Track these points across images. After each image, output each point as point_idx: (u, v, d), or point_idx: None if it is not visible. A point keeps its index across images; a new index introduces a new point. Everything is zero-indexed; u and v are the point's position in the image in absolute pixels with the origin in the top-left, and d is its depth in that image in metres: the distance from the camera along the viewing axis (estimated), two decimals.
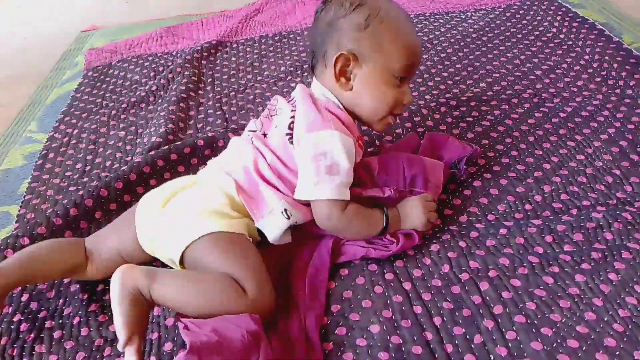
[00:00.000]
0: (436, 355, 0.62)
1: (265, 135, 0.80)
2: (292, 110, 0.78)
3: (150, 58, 1.48)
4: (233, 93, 1.26)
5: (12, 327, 0.73)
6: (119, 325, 0.61)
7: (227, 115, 1.18)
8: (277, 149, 0.77)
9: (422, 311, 0.68)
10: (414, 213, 0.77)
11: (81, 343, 0.70)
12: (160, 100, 1.25)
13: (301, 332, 0.66)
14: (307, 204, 0.76)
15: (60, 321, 0.74)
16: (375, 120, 0.81)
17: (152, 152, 0.98)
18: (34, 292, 0.79)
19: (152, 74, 1.39)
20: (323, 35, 0.78)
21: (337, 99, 0.79)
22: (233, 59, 1.43)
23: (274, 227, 0.75)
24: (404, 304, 0.69)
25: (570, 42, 1.28)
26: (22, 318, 0.75)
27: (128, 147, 1.10)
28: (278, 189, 0.76)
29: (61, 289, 0.79)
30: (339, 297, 0.71)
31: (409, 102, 0.80)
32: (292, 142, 0.76)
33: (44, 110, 1.33)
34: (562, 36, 1.31)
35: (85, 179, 1.02)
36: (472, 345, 0.63)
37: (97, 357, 0.69)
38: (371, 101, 0.78)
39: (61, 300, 0.77)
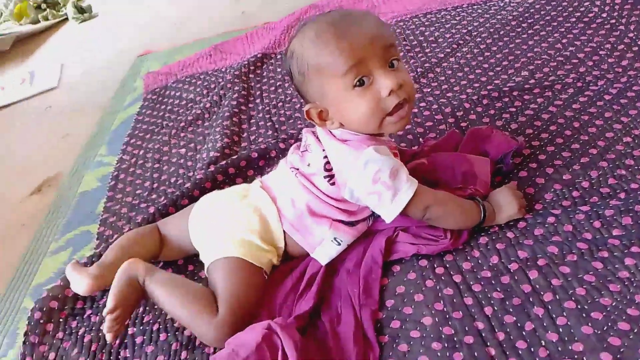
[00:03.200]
0: (488, 344, 0.66)
1: (304, 172, 0.81)
2: (322, 150, 0.79)
3: (202, 77, 1.57)
4: (280, 104, 1.33)
5: (100, 334, 0.82)
6: (110, 296, 0.75)
7: (276, 126, 1.24)
8: (320, 185, 0.79)
9: (473, 302, 0.71)
10: (507, 202, 0.80)
11: (160, 347, 0.79)
12: (214, 117, 1.33)
13: (358, 327, 0.71)
14: (352, 224, 0.80)
15: (141, 327, 0.82)
16: (378, 129, 0.75)
17: (212, 168, 1.07)
18: None
19: (205, 91, 1.48)
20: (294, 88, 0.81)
21: (343, 131, 0.78)
22: (278, 70, 1.49)
23: (326, 255, 0.80)
24: (454, 296, 0.72)
25: (613, 21, 1.25)
26: None
27: (189, 163, 1.19)
28: (328, 218, 0.79)
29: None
30: (392, 293, 0.75)
31: (392, 88, 0.71)
32: (333, 184, 0.78)
33: (111, 134, 1.44)
34: (604, 15, 1.29)
35: (154, 196, 1.11)
36: (524, 332, 0.66)
37: (175, 359, 0.76)
38: (357, 120, 0.74)
39: (141, 309, 0.85)
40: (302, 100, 1.28)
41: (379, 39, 0.72)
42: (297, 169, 0.82)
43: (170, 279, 0.79)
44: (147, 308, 0.85)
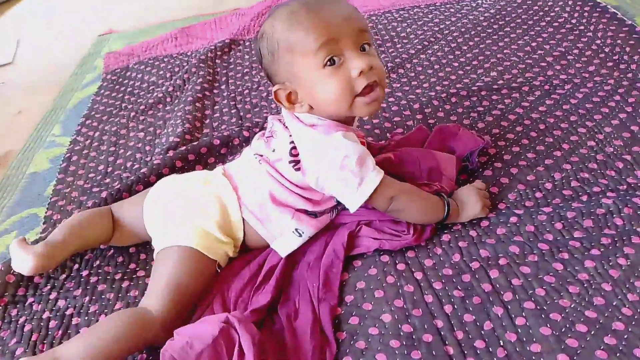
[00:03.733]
0: (447, 342, 0.64)
1: (269, 159, 0.79)
2: (289, 135, 0.76)
3: (166, 59, 1.52)
4: (247, 91, 1.29)
5: (42, 324, 0.77)
6: None
7: (241, 113, 1.20)
8: (285, 172, 0.77)
9: (433, 300, 0.70)
10: (471, 201, 0.79)
11: None
12: (176, 101, 1.28)
13: (315, 322, 0.68)
14: (315, 215, 0.78)
15: (86, 318, 0.77)
16: (349, 110, 0.74)
17: (171, 153, 1.02)
18: (61, 290, 0.83)
19: (168, 74, 1.43)
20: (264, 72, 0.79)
21: (311, 115, 0.76)
22: (246, 57, 1.46)
23: (287, 247, 0.77)
24: (415, 294, 0.71)
25: (582, 27, 1.27)
26: (51, 316, 0.79)
27: (147, 148, 1.14)
28: (291, 207, 0.77)
29: (87, 287, 0.82)
30: (352, 288, 0.73)
31: (362, 68, 0.70)
32: (298, 169, 0.75)
33: (67, 114, 1.37)
34: (573, 21, 1.30)
35: (108, 180, 1.06)
36: (482, 332, 0.65)
37: None
38: (327, 100, 0.73)
39: (87, 298, 0.81)
40: (269, 89, 1.26)
41: (352, 21, 0.72)
42: (262, 156, 0.80)
43: (79, 341, 0.66)
44: (95, 298, 0.80)
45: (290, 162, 0.76)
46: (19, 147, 1.30)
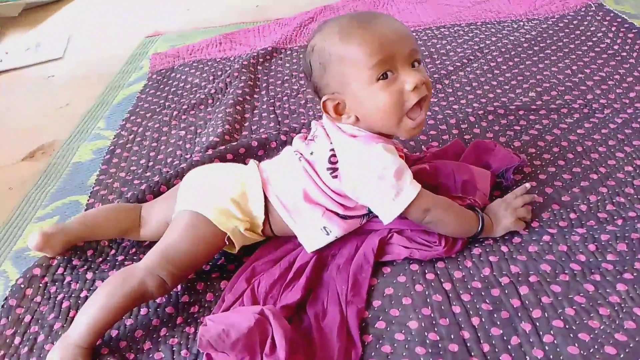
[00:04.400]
0: (472, 354, 0.65)
1: (308, 158, 0.81)
2: (330, 143, 0.78)
3: (209, 63, 1.56)
4: (286, 98, 1.32)
5: (79, 302, 0.81)
6: None
7: (279, 119, 1.23)
8: (322, 174, 0.79)
9: (461, 311, 0.70)
10: (503, 214, 0.79)
11: (139, 321, 0.77)
12: (218, 103, 1.32)
13: (342, 323, 0.70)
14: (344, 218, 0.79)
15: None
16: (395, 127, 0.76)
17: (210, 151, 1.05)
18: (97, 271, 0.86)
19: (211, 77, 1.47)
20: (310, 86, 0.81)
21: (353, 127, 0.78)
22: (287, 65, 1.49)
23: (314, 243, 0.79)
24: (443, 304, 0.71)
25: (624, 54, 1.26)
26: (88, 294, 0.82)
27: (188, 146, 1.18)
28: (322, 206, 0.78)
29: None
30: (380, 293, 0.74)
31: (416, 83, 0.72)
32: (335, 177, 0.77)
33: (112, 109, 1.43)
34: (616, 47, 1.30)
35: (149, 174, 1.10)
36: (509, 346, 0.65)
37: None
38: (376, 113, 0.74)
39: None
40: (308, 96, 1.29)
41: (405, 38, 0.74)
42: (302, 154, 0.82)
43: (85, 311, 0.72)
44: None
45: (327, 168, 0.78)
46: (64, 137, 1.36)
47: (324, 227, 0.79)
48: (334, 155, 0.77)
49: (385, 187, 0.73)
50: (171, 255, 0.75)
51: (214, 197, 0.80)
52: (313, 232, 0.79)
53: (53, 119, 1.52)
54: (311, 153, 0.80)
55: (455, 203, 0.79)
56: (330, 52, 0.74)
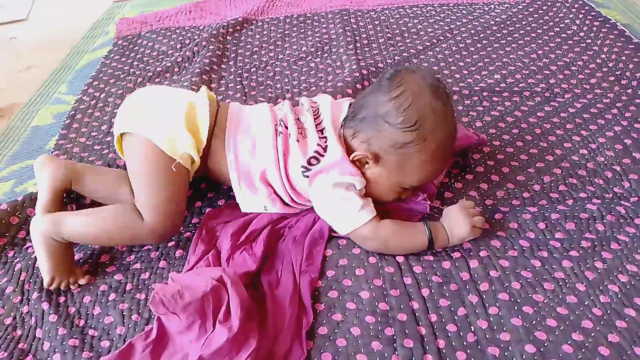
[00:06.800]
0: (420, 323, 0.66)
1: (288, 144, 0.79)
2: (317, 145, 0.77)
3: (178, 31, 1.53)
4: (254, 69, 1.30)
5: (36, 272, 0.80)
6: (42, 271, 0.75)
7: (246, 90, 1.22)
8: (291, 167, 0.78)
9: (412, 282, 0.72)
10: (458, 221, 0.76)
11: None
12: (184, 72, 1.30)
13: (295, 292, 0.70)
14: (288, 205, 0.80)
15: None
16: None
17: None
18: None
19: (178, 45, 1.44)
20: (365, 116, 0.76)
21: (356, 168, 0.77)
22: (257, 36, 1.47)
23: (249, 208, 0.81)
24: (395, 275, 0.73)
25: (589, 41, 1.29)
26: None
27: None
28: (272, 189, 0.79)
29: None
30: (334, 264, 0.75)
31: (408, 197, 0.81)
32: (306, 177, 0.77)
33: (75, 74, 1.39)
34: (581, 34, 1.32)
35: (109, 139, 1.07)
36: (456, 317, 0.67)
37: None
38: (374, 192, 0.78)
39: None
40: (277, 69, 1.28)
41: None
42: (286, 128, 0.80)
43: (76, 215, 0.79)
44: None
45: (302, 166, 0.77)
46: (24, 100, 1.32)
47: (265, 207, 0.80)
48: (315, 158, 0.77)
49: (352, 197, 0.75)
50: (169, 211, 0.76)
51: (164, 120, 0.78)
52: (252, 203, 0.80)
53: (13, 81, 1.47)
54: (297, 140, 0.78)
55: (396, 224, 0.76)
56: (420, 155, 0.74)
